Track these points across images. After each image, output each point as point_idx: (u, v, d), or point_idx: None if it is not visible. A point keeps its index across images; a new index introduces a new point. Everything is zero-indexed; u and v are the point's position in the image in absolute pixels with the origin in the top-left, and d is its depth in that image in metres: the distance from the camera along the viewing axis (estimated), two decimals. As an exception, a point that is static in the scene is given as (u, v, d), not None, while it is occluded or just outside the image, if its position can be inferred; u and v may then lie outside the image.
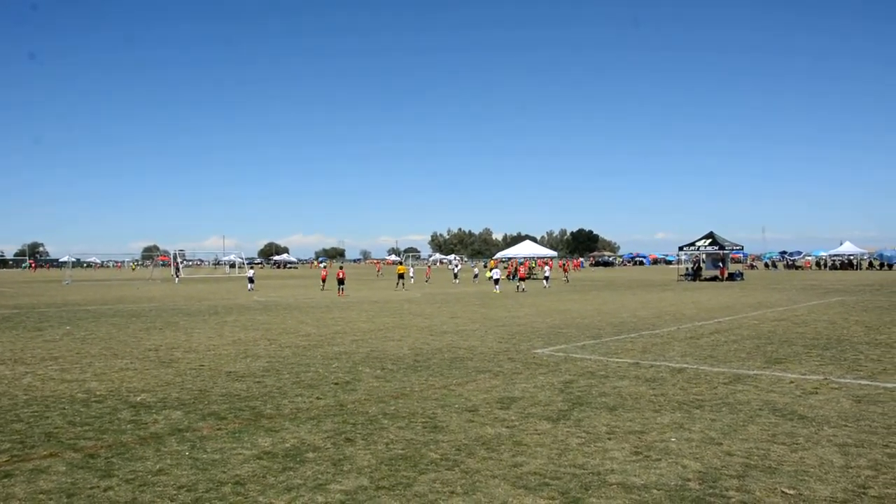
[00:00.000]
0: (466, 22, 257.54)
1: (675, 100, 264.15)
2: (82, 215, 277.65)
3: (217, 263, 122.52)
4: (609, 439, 7.77)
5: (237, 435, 8.07)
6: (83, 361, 13.84)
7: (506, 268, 60.66)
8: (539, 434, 8.01)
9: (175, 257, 76.16)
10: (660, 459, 6.98)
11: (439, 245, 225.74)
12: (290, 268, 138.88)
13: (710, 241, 55.09)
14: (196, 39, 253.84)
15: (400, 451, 7.34)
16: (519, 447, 7.47)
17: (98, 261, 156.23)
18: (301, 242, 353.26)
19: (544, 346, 15.52)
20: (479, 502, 5.85)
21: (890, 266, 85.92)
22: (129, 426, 8.57)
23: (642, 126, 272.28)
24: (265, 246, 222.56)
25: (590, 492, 6.07)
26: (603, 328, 19.39)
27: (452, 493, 6.06)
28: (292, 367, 12.93)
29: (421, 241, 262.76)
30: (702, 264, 56.70)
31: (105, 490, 6.20)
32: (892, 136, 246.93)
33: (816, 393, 10.19)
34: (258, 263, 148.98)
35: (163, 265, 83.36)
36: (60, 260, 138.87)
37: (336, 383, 11.27)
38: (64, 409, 9.57)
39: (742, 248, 65.09)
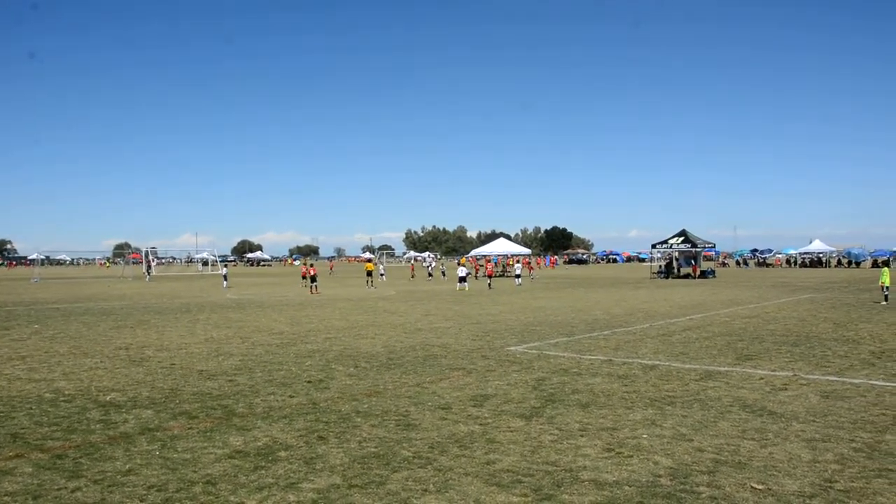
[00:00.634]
0: (438, 19, 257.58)
1: (648, 98, 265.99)
2: (52, 213, 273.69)
3: (190, 261, 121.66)
4: (581, 436, 7.81)
5: (208, 434, 8.01)
6: (51, 360, 13.65)
7: (477, 266, 60.84)
8: (512, 431, 8.03)
9: (147, 255, 75.36)
10: (632, 456, 7.03)
11: (414, 242, 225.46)
12: (264, 265, 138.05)
13: (682, 238, 55.60)
14: (161, 36, 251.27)
15: (373, 450, 7.32)
16: (492, 444, 7.48)
17: (68, 258, 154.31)
18: (275, 240, 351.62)
19: (518, 344, 15.57)
20: (451, 500, 5.85)
21: (857, 264, 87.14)
22: (98, 426, 8.46)
23: (616, 124, 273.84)
24: (238, 243, 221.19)
25: (562, 488, 6.09)
26: (576, 325, 19.47)
27: (425, 490, 6.06)
28: (265, 365, 12.85)
29: (396, 238, 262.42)
30: (675, 262, 57.17)
31: (73, 491, 6.12)
32: (862, 136, 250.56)
33: (785, 389, 10.32)
34: (231, 261, 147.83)
35: (134, 263, 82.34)
36: (30, 258, 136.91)
37: (309, 381, 11.21)
38: (31, 409, 9.43)
39: (714, 246, 65.70)
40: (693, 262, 55.62)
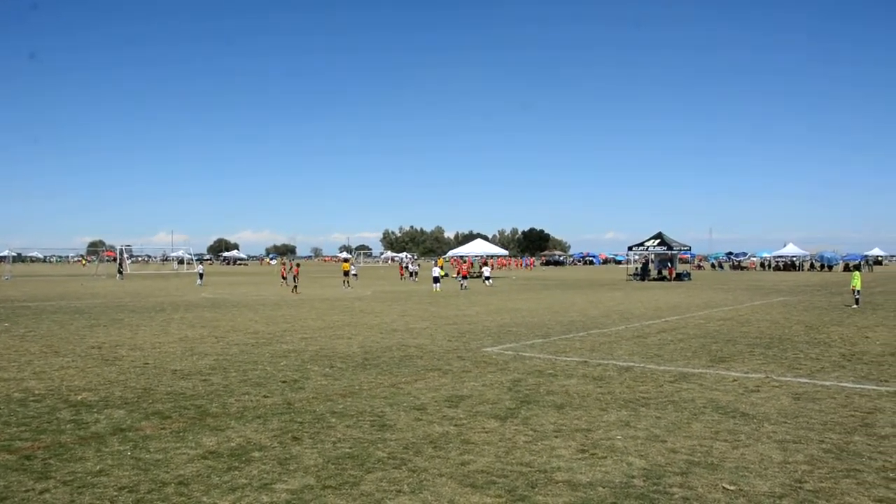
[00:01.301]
0: (416, 21, 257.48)
1: (625, 100, 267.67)
2: (23, 209, 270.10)
3: (165, 259, 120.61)
4: (556, 437, 7.84)
5: (181, 434, 7.94)
6: (21, 360, 13.47)
7: (456, 265, 60.83)
8: (487, 432, 8.04)
9: (121, 252, 74.62)
10: (605, 457, 7.06)
11: (391, 243, 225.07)
12: (240, 264, 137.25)
13: (658, 241, 55.98)
14: (135, 30, 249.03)
15: (347, 450, 7.30)
16: (466, 445, 7.49)
17: (41, 256, 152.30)
18: (251, 239, 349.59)
19: (494, 345, 15.59)
20: (426, 501, 5.84)
21: (830, 267, 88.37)
22: (68, 426, 8.36)
23: (595, 126, 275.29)
24: (214, 242, 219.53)
25: (536, 489, 6.10)
26: (552, 327, 19.55)
27: (399, 491, 6.05)
28: (240, 365, 12.77)
29: (373, 238, 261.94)
30: (650, 264, 57.54)
31: (41, 493, 6.03)
32: (835, 141, 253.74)
33: (758, 391, 10.42)
34: (207, 260, 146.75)
35: (109, 261, 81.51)
36: (0, 255, 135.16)
37: (284, 381, 11.16)
38: None
39: (690, 249, 66.28)
40: (669, 264, 56.05)
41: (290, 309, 25.74)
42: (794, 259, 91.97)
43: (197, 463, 6.86)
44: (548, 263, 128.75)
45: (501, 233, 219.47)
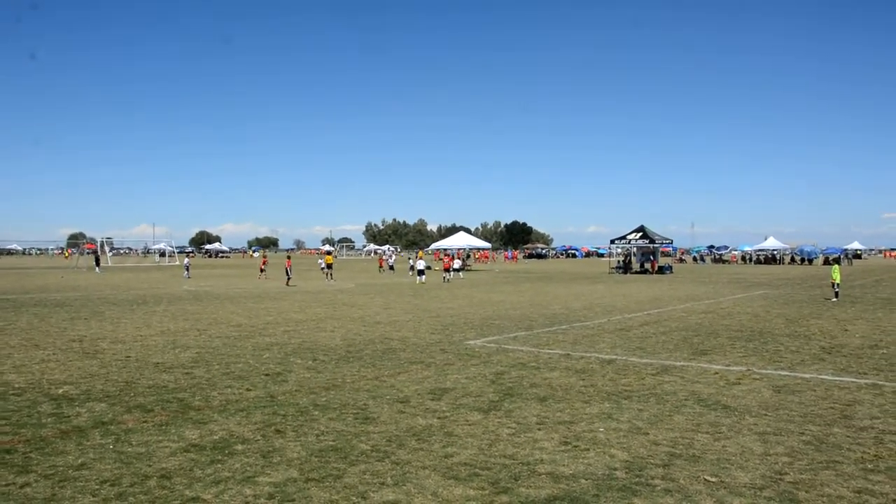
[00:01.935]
0: (407, 21, 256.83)
1: (609, 96, 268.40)
2: (2, 201, 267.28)
3: (147, 252, 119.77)
4: (539, 430, 7.87)
5: (164, 427, 7.90)
6: (1, 353, 13.35)
7: (442, 259, 60.79)
8: (470, 425, 8.06)
9: (102, 245, 74.03)
10: (588, 449, 7.10)
11: (374, 235, 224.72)
12: (223, 257, 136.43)
13: (641, 234, 56.15)
14: (113, 24, 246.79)
15: (330, 443, 7.30)
16: (450, 438, 7.50)
17: (20, 248, 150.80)
18: (233, 231, 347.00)
19: (477, 338, 15.62)
20: (409, 493, 5.85)
21: (810, 261, 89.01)
22: (49, 419, 8.30)
23: (577, 122, 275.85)
24: (196, 234, 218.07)
25: (519, 482, 6.13)
26: (535, 320, 19.60)
27: (383, 484, 6.05)
28: (222, 358, 12.72)
29: (356, 231, 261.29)
30: (633, 257, 57.76)
31: (21, 487, 5.99)
32: (816, 135, 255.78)
33: (739, 383, 10.51)
34: (190, 252, 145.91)
35: (89, 253, 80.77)
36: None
37: (267, 374, 11.13)
38: (-20, 402, 9.21)
39: (672, 242, 66.52)
40: (651, 257, 56.23)
41: (272, 302, 25.65)
42: (775, 252, 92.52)
43: (179, 456, 6.83)
44: (530, 256, 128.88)
45: (484, 226, 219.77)
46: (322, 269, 37.01)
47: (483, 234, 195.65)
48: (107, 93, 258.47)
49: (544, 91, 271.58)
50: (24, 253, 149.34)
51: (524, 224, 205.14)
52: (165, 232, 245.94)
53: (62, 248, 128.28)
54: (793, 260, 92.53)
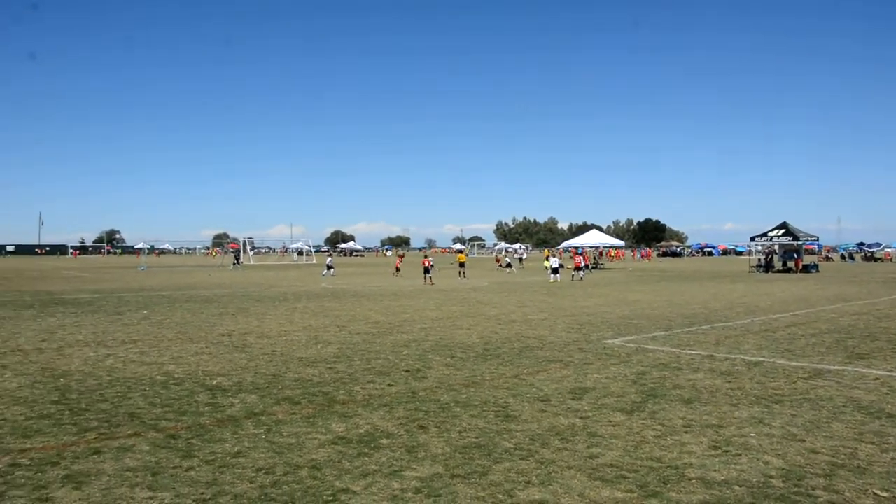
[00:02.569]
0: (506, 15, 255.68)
1: (745, 89, 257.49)
2: (155, 204, 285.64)
3: (285, 251, 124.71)
4: (686, 433, 7.61)
5: (311, 420, 8.16)
6: (161, 345, 14.21)
7: (572, 257, 60.11)
8: (613, 426, 7.89)
9: (244, 244, 77.66)
10: (740, 455, 6.80)
11: (504, 234, 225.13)
12: (356, 256, 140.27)
13: (783, 231, 53.48)
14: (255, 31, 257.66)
15: (473, 440, 7.32)
16: (593, 438, 7.37)
17: (171, 247, 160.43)
18: (366, 230, 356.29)
19: (615, 337, 15.32)
20: (555, 493, 5.78)
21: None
22: (206, 408, 8.75)
23: (711, 115, 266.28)
24: (331, 234, 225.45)
25: (668, 486, 5.94)
26: (674, 319, 19.03)
27: (528, 483, 6.01)
28: (363, 353, 13.04)
29: (486, 229, 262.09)
30: (775, 255, 55.16)
31: (187, 470, 6.34)
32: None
33: (903, 390, 9.79)
34: (325, 251, 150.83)
35: (233, 252, 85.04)
36: (136, 247, 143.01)
37: (407, 371, 11.31)
38: (145, 390, 9.83)
39: (817, 239, 62.97)
40: (795, 255, 53.53)
41: (407, 299, 26.10)
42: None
43: (328, 448, 7.03)
44: (665, 255, 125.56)
45: (616, 223, 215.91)
46: (426, 268, 37.27)
47: (615, 231, 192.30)
48: (241, 99, 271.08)
49: (678, 86, 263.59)
50: (174, 252, 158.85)
51: (657, 221, 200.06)
52: (302, 231, 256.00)
53: (208, 248, 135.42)
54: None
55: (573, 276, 41.31)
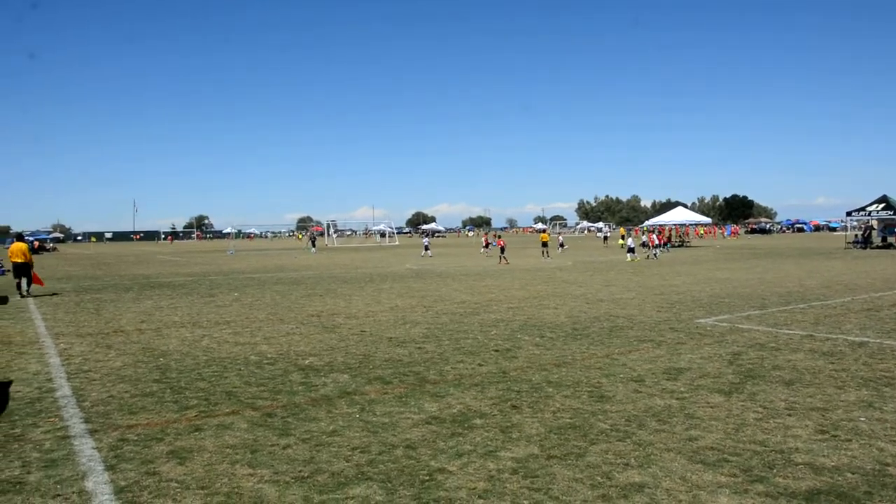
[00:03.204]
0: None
1: (831, 57, 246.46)
2: (242, 188, 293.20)
3: (367, 233, 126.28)
4: (789, 416, 7.31)
5: (403, 399, 8.20)
6: (253, 326, 14.54)
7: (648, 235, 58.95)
8: (712, 407, 7.65)
9: (328, 227, 78.90)
10: (850, 440, 6.48)
11: (586, 213, 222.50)
12: (438, 237, 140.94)
13: (883, 205, 50.99)
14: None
15: (568, 420, 7.21)
16: (692, 420, 7.16)
17: (257, 231, 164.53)
18: (447, 211, 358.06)
19: (706, 316, 14.90)
20: (655, 476, 5.62)
21: None
22: (300, 388, 8.89)
23: (798, 86, 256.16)
24: (413, 215, 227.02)
25: (775, 471, 5.71)
26: (768, 298, 18.40)
27: (627, 465, 5.87)
28: (451, 333, 13.04)
29: (567, 209, 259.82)
30: (873, 231, 52.76)
31: (284, 448, 6.45)
32: None
33: None
34: (407, 232, 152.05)
35: (318, 235, 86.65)
36: (224, 231, 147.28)
37: (496, 350, 11.26)
38: (240, 370, 10.07)
39: (921, 214, 59.98)
40: None
41: (492, 279, 26.04)
42: None
43: (422, 427, 7.04)
44: (753, 231, 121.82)
45: (701, 200, 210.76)
46: (501, 248, 37.43)
47: (700, 208, 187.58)
48: (327, 90, 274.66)
49: (763, 57, 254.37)
50: (260, 236, 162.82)
51: (744, 197, 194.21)
52: (384, 214, 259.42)
53: (293, 231, 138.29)
54: None
55: (648, 254, 40.52)
